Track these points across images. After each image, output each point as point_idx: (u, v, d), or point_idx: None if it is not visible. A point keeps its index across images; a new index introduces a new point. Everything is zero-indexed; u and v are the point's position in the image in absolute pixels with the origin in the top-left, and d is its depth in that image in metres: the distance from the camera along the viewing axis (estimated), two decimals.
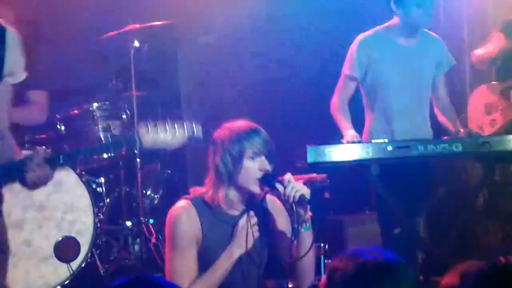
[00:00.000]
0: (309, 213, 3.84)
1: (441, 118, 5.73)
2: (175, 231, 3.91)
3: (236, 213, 3.99)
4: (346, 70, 5.70)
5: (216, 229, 3.96)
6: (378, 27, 5.72)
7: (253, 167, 3.88)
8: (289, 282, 4.19)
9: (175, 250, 3.91)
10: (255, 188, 3.89)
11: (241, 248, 3.93)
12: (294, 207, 3.80)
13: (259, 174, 3.88)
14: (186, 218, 3.92)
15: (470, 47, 7.26)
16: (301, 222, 3.83)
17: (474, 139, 5.21)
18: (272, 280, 4.59)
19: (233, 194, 3.94)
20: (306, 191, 3.79)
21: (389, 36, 5.65)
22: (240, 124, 3.98)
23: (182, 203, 3.98)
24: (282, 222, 4.07)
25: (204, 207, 3.96)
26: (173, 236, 3.92)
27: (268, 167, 3.89)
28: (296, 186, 3.79)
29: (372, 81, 5.66)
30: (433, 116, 5.77)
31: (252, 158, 3.88)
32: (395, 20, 5.60)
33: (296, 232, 3.84)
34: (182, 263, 3.90)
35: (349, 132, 5.39)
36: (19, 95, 5.90)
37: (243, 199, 3.97)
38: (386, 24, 5.68)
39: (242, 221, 3.95)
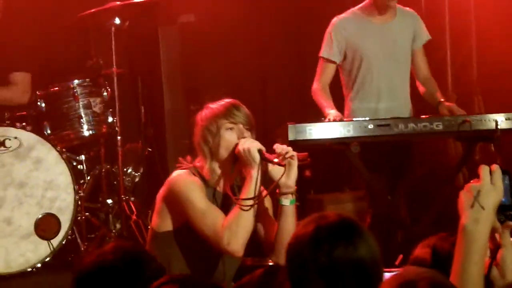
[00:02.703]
0: (295, 187, 3.88)
1: (422, 90, 5.75)
2: (191, 190, 3.86)
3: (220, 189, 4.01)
4: (323, 53, 5.70)
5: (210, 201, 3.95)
6: (352, 9, 5.73)
7: (232, 137, 3.90)
8: (269, 260, 4.22)
9: (202, 204, 3.85)
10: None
11: None
12: (285, 168, 3.81)
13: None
14: (194, 180, 3.90)
15: (451, 35, 7.29)
16: (287, 194, 3.87)
17: (454, 118, 5.23)
18: (252, 258, 4.61)
19: (218, 169, 3.95)
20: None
21: (364, 16, 5.65)
22: (221, 102, 4.00)
23: (181, 171, 3.97)
24: (264, 201, 4.07)
25: (201, 178, 3.96)
26: (191, 195, 3.85)
27: (246, 134, 3.91)
28: (290, 150, 3.86)
29: (352, 61, 5.66)
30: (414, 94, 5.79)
31: (231, 129, 3.91)
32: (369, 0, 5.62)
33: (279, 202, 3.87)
34: (213, 208, 3.87)
35: (332, 112, 5.39)
36: (1, 77, 5.95)
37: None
38: (361, 5, 5.69)
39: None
